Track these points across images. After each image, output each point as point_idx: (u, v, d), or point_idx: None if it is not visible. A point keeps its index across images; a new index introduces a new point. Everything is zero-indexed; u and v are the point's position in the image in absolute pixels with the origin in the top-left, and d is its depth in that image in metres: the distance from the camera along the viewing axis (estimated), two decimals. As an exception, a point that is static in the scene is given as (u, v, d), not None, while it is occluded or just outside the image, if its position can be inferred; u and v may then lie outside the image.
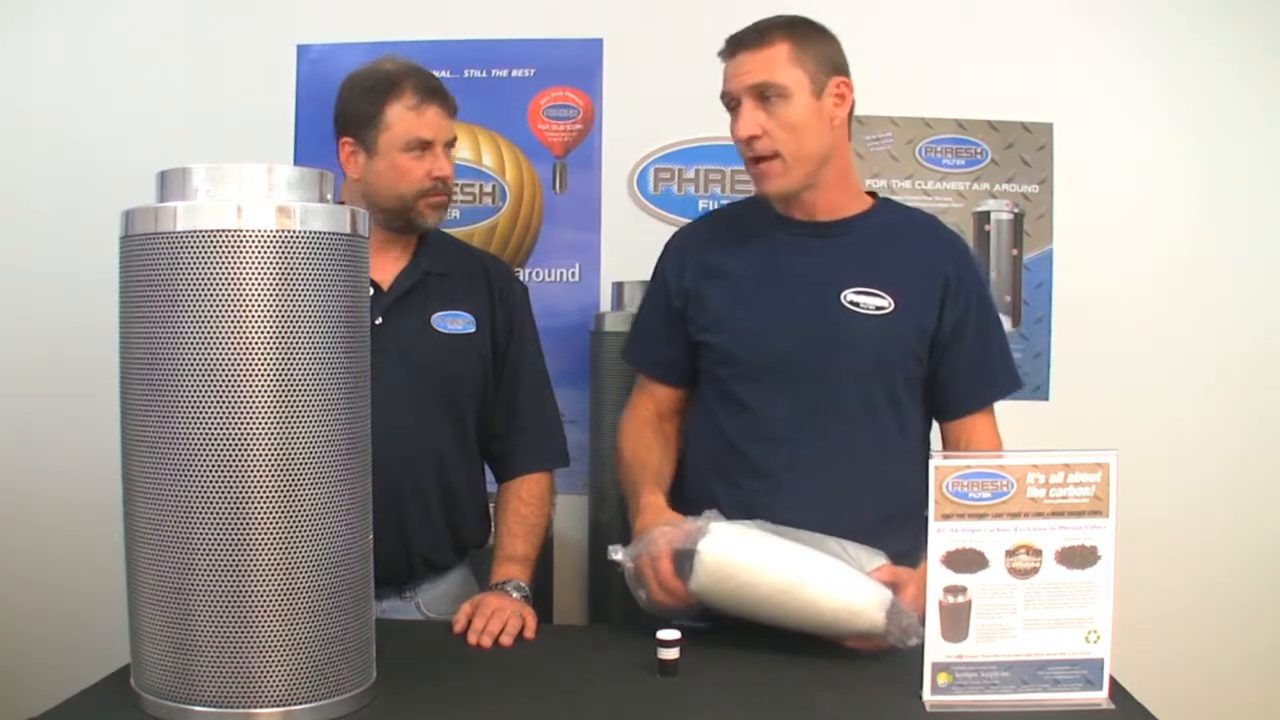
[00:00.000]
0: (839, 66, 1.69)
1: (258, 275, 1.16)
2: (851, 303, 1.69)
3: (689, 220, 1.96)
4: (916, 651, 1.31)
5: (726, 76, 1.68)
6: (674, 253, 1.84)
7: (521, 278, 2.47)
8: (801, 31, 1.67)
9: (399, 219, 1.77)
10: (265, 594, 1.18)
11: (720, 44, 1.70)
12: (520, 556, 1.78)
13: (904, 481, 1.68)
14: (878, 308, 1.69)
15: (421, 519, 1.78)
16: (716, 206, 1.97)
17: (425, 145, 1.74)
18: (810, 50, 1.65)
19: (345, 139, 1.77)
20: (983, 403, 1.76)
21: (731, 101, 1.68)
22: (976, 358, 1.74)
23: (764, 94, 1.64)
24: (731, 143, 1.71)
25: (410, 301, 1.78)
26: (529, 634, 1.58)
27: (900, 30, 2.52)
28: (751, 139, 1.65)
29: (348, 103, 1.78)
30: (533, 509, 1.84)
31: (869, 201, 1.78)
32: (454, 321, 1.81)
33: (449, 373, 1.80)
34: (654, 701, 1.32)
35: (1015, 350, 2.61)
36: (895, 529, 1.66)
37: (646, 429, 1.82)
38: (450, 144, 1.80)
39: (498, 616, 1.58)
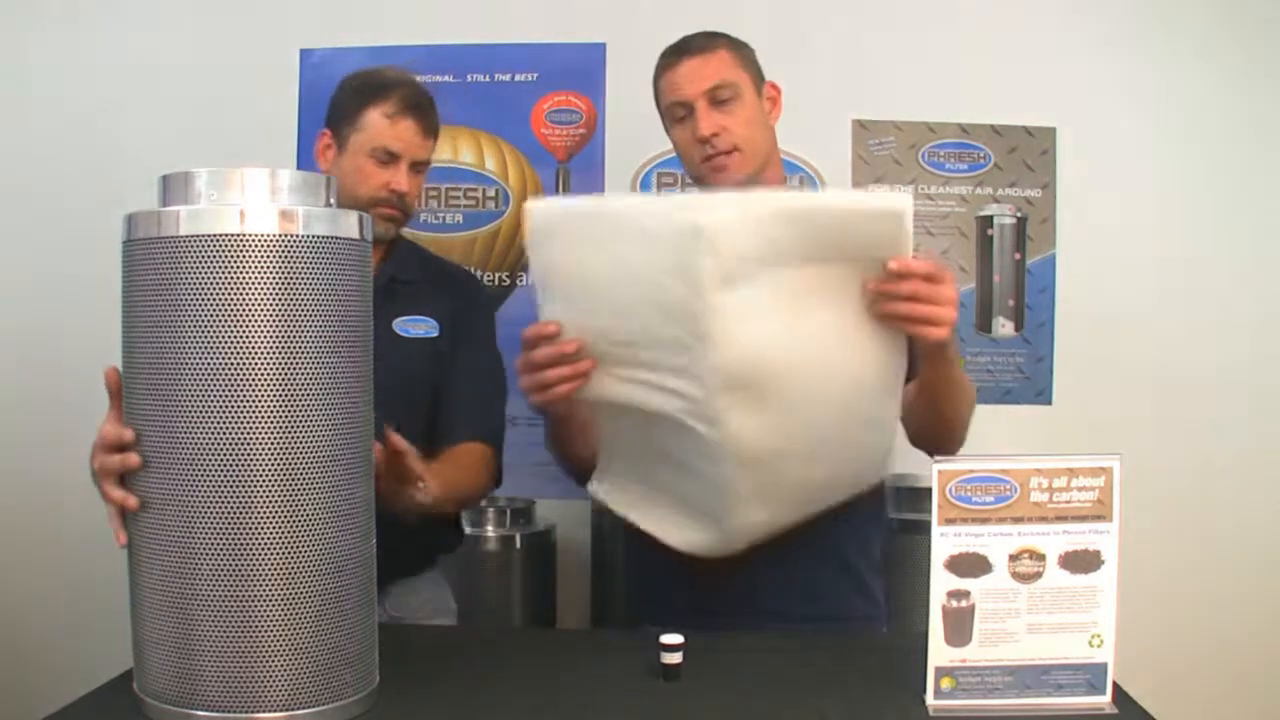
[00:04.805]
0: (763, 73, 1.75)
1: (261, 280, 1.16)
2: None
3: None
4: (920, 655, 1.31)
5: (674, 85, 1.70)
6: None
7: (524, 282, 2.47)
8: (735, 39, 1.73)
9: None
10: (268, 599, 1.18)
11: None
12: (434, 469, 1.60)
13: None
14: None
15: (388, 522, 1.76)
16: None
17: (391, 156, 1.74)
18: (746, 55, 1.72)
19: (324, 131, 1.80)
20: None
21: (682, 110, 1.70)
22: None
23: (718, 96, 1.67)
24: None
25: (374, 308, 1.77)
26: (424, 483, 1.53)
27: (903, 34, 2.52)
28: (713, 136, 1.67)
29: (336, 97, 1.81)
30: (468, 463, 1.73)
31: None
32: (416, 325, 1.81)
33: (411, 375, 1.78)
34: (657, 706, 1.32)
35: (1018, 355, 2.65)
36: (858, 520, 1.68)
37: None
38: (420, 165, 1.78)
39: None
